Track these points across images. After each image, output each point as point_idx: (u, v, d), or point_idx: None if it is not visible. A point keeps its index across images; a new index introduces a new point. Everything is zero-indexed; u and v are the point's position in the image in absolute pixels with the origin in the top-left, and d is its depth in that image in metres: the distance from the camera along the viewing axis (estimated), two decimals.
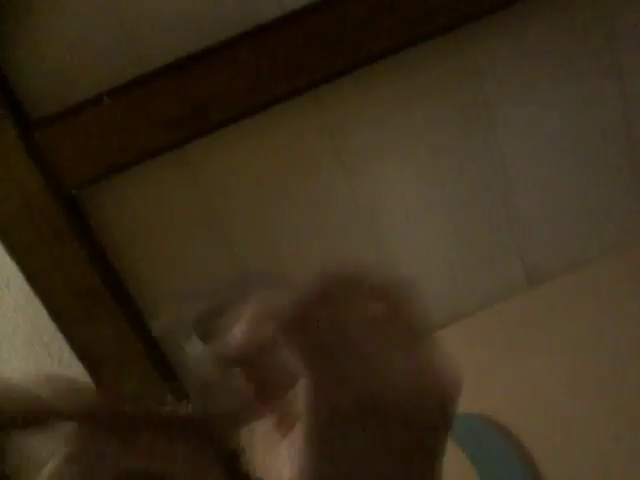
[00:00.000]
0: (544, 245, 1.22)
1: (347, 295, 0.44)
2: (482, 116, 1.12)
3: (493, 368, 1.09)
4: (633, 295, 1.11)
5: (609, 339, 1.05)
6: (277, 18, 1.00)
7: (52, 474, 0.47)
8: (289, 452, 0.45)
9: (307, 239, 1.17)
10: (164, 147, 1.04)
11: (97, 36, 1.02)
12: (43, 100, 1.04)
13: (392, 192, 1.16)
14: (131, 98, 1.01)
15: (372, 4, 0.98)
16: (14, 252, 1.05)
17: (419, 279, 1.32)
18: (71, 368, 1.15)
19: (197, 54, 1.00)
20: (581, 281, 1.19)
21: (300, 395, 0.42)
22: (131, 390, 1.12)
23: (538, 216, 1.19)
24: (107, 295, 1.08)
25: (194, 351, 0.44)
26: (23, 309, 1.13)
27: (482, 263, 1.22)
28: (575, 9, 1.07)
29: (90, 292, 1.08)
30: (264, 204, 1.15)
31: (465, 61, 1.09)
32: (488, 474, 0.91)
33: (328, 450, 0.43)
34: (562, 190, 1.18)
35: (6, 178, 1.00)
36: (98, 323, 1.09)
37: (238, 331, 0.44)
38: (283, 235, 1.17)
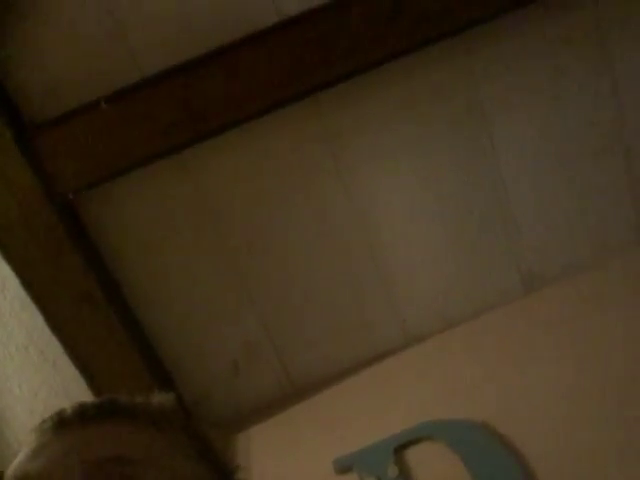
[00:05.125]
0: (540, 252, 1.22)
1: None
2: (479, 123, 1.12)
3: (489, 374, 1.09)
4: (628, 301, 1.11)
5: (605, 344, 1.05)
6: (275, 24, 1.00)
7: (17, 469, 0.47)
8: None
9: (304, 244, 1.17)
10: (162, 152, 1.04)
11: (95, 42, 1.02)
12: (40, 105, 1.04)
13: (389, 198, 1.16)
14: (129, 103, 1.01)
15: (369, 12, 0.99)
16: (10, 256, 1.04)
17: (416, 285, 1.31)
18: (66, 373, 1.14)
19: (195, 60, 1.00)
20: (576, 288, 1.19)
21: None
22: (126, 393, 1.12)
23: (534, 223, 1.20)
24: (103, 300, 1.08)
25: None
26: (18, 314, 1.12)
27: (478, 270, 1.22)
28: (572, 18, 1.08)
29: (86, 297, 1.07)
30: (261, 208, 1.15)
31: (462, 68, 1.09)
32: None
33: None
34: (557, 197, 1.19)
35: (2, 182, 1.00)
36: (94, 328, 1.09)
37: None
38: (280, 238, 1.17)
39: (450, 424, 1.00)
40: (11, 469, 0.48)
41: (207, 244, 1.16)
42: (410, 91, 1.10)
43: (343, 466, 1.03)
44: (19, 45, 1.01)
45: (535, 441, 0.94)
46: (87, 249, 1.09)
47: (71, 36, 1.02)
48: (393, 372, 1.20)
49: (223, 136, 1.05)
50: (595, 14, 1.08)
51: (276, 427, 1.20)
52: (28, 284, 1.06)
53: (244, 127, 1.04)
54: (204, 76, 1.01)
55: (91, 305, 1.08)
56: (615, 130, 1.15)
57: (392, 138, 1.12)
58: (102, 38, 1.02)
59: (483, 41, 1.07)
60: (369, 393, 1.18)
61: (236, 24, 1.00)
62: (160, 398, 0.56)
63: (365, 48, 1.00)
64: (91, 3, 1.00)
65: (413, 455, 1.01)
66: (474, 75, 1.09)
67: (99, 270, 1.11)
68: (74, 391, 1.16)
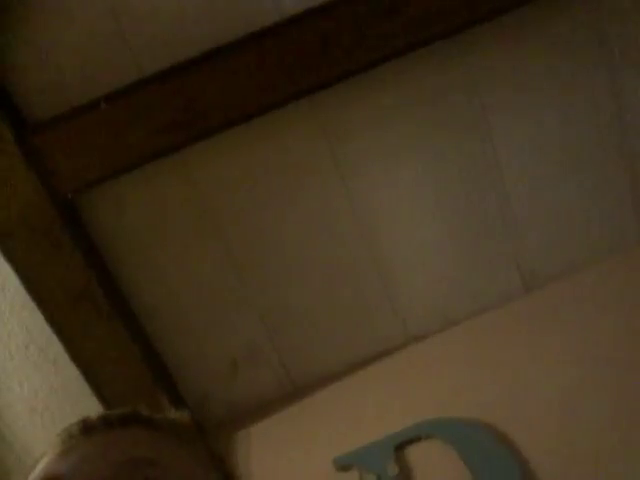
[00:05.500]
0: (540, 251, 1.22)
1: None
2: (479, 123, 1.12)
3: (489, 374, 1.10)
4: (628, 301, 1.11)
5: (605, 344, 1.05)
6: (275, 24, 1.00)
7: (45, 471, 0.48)
8: None
9: (304, 244, 1.17)
10: (161, 151, 1.04)
11: (95, 41, 1.02)
12: (40, 104, 1.04)
13: (389, 198, 1.16)
14: (128, 103, 1.01)
15: (369, 12, 0.99)
16: (10, 256, 1.04)
17: (416, 285, 1.32)
18: (66, 372, 1.15)
19: (194, 59, 1.00)
20: (577, 287, 1.19)
21: None
22: (126, 392, 1.12)
23: (534, 222, 1.20)
24: (103, 299, 1.08)
25: None
26: (18, 313, 1.12)
27: (479, 269, 1.22)
28: (572, 18, 1.08)
29: (86, 296, 1.07)
30: (261, 208, 1.15)
31: (461, 68, 1.09)
32: (483, 478, 0.91)
33: None
34: (558, 197, 1.19)
35: (2, 182, 1.00)
36: (94, 327, 1.09)
37: None
38: (280, 238, 1.17)
39: (450, 422, 1.01)
40: (38, 471, 0.49)
41: (206, 243, 1.16)
42: (410, 91, 1.10)
43: (343, 464, 1.03)
44: (19, 45, 1.01)
45: (535, 440, 0.94)
46: (87, 248, 1.10)
47: (71, 36, 1.02)
48: (393, 371, 1.21)
49: (223, 136, 1.05)
50: (595, 14, 1.08)
51: (276, 426, 1.20)
52: (28, 283, 1.06)
53: (244, 127, 1.04)
54: (204, 76, 1.01)
55: (91, 304, 1.08)
56: (615, 130, 1.15)
57: (392, 138, 1.12)
58: (102, 38, 1.02)
59: (483, 41, 1.07)
60: (369, 392, 1.18)
61: (236, 24, 1.00)
62: (176, 414, 0.59)
63: (365, 48, 1.00)
64: (91, 3, 1.00)
65: (413, 453, 1.01)
66: (474, 75, 1.10)
67: (99, 269, 1.11)
68: (74, 390, 1.17)
